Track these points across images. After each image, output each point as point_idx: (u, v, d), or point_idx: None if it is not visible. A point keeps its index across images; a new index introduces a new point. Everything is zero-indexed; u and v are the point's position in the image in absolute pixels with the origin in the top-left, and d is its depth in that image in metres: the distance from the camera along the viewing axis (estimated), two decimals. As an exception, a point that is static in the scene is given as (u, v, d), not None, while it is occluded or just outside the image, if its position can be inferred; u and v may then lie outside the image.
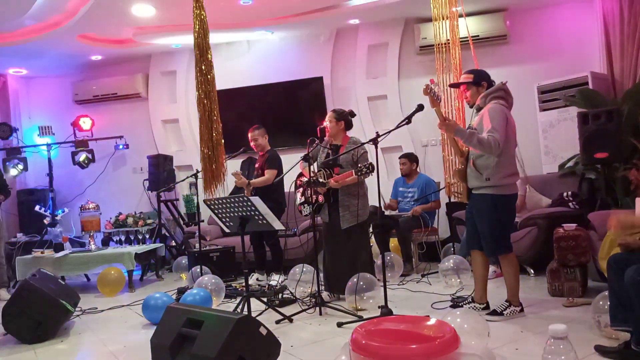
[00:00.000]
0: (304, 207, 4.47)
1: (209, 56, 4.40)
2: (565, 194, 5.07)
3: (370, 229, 5.40)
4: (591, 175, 5.22)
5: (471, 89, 3.50)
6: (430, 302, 3.99)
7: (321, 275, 4.30)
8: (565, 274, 3.91)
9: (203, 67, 4.36)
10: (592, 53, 5.99)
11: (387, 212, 5.68)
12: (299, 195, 4.53)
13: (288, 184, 4.61)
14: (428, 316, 2.65)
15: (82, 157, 6.88)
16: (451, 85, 3.55)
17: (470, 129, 3.38)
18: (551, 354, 1.68)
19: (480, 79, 3.48)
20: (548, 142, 5.81)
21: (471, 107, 3.58)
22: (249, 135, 5.13)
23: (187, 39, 5.99)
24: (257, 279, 5.17)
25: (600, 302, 2.86)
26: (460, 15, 5.22)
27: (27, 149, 7.25)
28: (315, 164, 4.13)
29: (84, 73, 7.56)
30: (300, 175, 4.59)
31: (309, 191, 4.33)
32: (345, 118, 4.39)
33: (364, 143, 4.04)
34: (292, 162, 4.52)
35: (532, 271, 4.81)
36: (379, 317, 3.46)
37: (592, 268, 4.02)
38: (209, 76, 4.33)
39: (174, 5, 5.44)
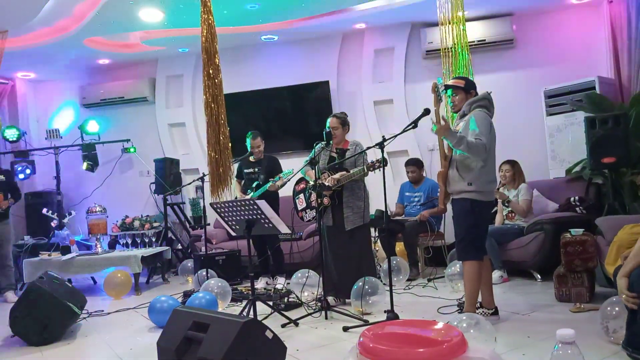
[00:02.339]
0: (306, 213, 4.47)
1: (217, 60, 4.41)
2: (572, 199, 5.05)
3: (376, 233, 5.42)
4: (598, 180, 5.19)
5: (460, 94, 3.53)
6: (436, 306, 3.98)
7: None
8: (573, 280, 3.88)
9: (210, 71, 4.38)
10: (599, 58, 5.97)
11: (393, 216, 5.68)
12: (299, 202, 4.53)
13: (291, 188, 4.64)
14: (435, 321, 2.64)
15: (87, 161, 6.90)
16: (445, 86, 3.59)
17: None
18: (559, 359, 1.67)
19: (470, 87, 3.53)
20: (555, 146, 5.79)
21: (456, 112, 3.61)
22: (253, 141, 5.15)
23: (194, 43, 6.02)
24: (267, 283, 5.18)
25: (608, 308, 2.84)
26: (467, 20, 5.22)
27: (35, 152, 7.29)
28: (317, 168, 4.15)
29: (92, 77, 7.61)
30: (300, 181, 4.59)
31: (312, 195, 4.34)
32: (348, 122, 4.44)
33: (370, 147, 4.05)
34: (297, 166, 4.54)
35: (538, 276, 4.79)
36: (385, 321, 3.45)
37: (600, 273, 3.99)
38: (216, 80, 4.34)
39: (181, 9, 5.47)
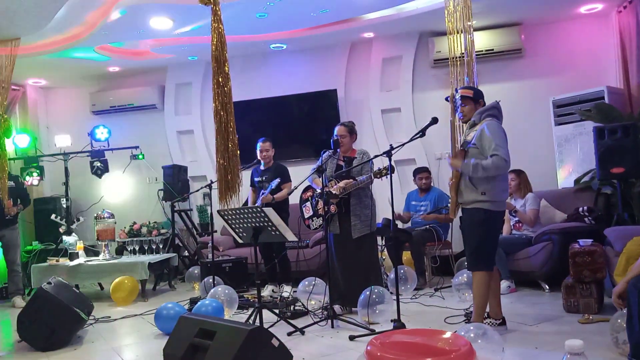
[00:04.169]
0: (313, 221, 4.47)
1: (226, 68, 4.44)
2: (580, 209, 5.02)
3: (384, 242, 5.40)
4: (607, 190, 5.16)
5: (469, 104, 3.50)
6: (443, 316, 3.96)
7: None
8: (581, 290, 3.85)
9: (220, 80, 4.40)
10: (608, 67, 5.96)
11: (399, 224, 5.67)
12: (305, 210, 4.53)
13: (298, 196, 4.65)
14: (443, 330, 2.63)
15: (97, 166, 6.92)
16: (447, 99, 3.61)
17: (467, 143, 3.40)
18: (568, 370, 1.65)
19: (478, 96, 3.51)
20: (564, 156, 5.76)
21: (465, 122, 3.60)
22: (261, 145, 5.19)
23: (203, 51, 6.07)
24: (273, 291, 5.18)
25: (619, 320, 2.81)
26: (476, 29, 5.23)
27: (45, 158, 7.35)
28: (323, 176, 4.16)
29: (102, 84, 7.68)
30: (307, 189, 4.60)
31: (319, 203, 4.35)
32: (355, 131, 4.45)
33: (377, 155, 4.06)
34: (305, 174, 4.54)
35: (547, 287, 4.75)
36: (392, 330, 3.44)
37: (608, 284, 3.96)
38: (225, 88, 4.36)
39: (191, 18, 5.51)
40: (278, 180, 4.91)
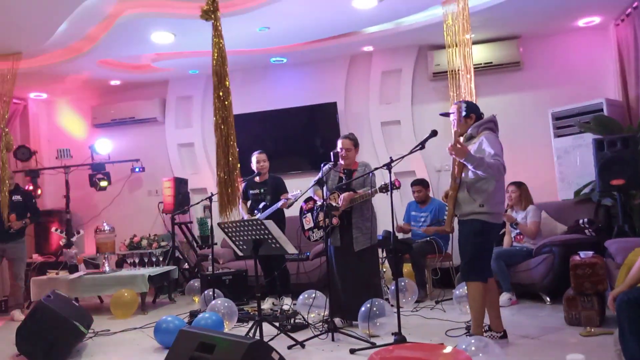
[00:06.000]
0: (313, 232, 4.47)
1: (227, 83, 4.47)
2: (581, 221, 5.01)
3: (384, 254, 5.39)
4: (607, 202, 5.16)
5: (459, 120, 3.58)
6: (444, 329, 3.94)
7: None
8: (582, 303, 3.84)
9: (221, 94, 4.42)
10: (606, 80, 5.99)
11: (399, 235, 5.66)
12: (305, 221, 4.53)
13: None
14: (442, 344, 2.62)
15: (101, 181, 6.93)
16: (441, 114, 3.68)
17: None
18: (569, 384, 1.65)
19: (468, 112, 3.57)
20: (563, 168, 5.77)
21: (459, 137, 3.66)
22: (258, 156, 5.24)
23: (204, 65, 6.10)
24: (273, 303, 5.16)
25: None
26: (474, 43, 5.27)
27: (46, 171, 7.36)
28: (324, 188, 4.16)
29: (103, 97, 7.72)
30: (309, 200, 4.61)
31: (320, 215, 4.35)
32: (358, 143, 4.48)
33: (377, 168, 4.07)
34: (304, 186, 4.55)
35: (548, 299, 4.74)
36: (393, 344, 3.43)
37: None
38: (226, 102, 4.38)
39: (192, 32, 5.55)
40: (299, 192, 4.93)
